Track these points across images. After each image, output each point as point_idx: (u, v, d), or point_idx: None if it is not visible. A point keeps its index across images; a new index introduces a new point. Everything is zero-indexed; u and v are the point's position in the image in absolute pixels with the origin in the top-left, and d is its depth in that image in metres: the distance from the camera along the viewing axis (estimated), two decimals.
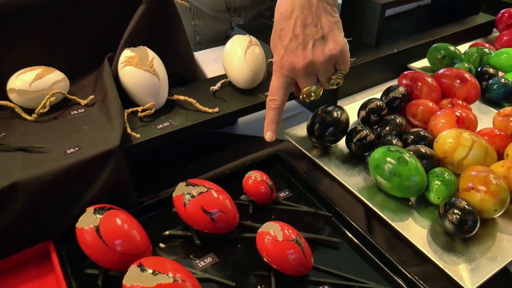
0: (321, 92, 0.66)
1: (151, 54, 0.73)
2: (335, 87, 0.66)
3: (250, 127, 0.87)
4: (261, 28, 1.08)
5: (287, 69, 0.63)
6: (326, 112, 0.76)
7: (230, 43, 0.79)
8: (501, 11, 1.11)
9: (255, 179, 0.67)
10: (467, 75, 0.87)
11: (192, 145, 0.83)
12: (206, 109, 0.73)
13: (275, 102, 0.66)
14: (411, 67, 1.01)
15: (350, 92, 0.96)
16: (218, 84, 0.78)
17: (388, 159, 0.68)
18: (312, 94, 0.66)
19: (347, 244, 0.64)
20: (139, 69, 0.70)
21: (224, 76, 0.81)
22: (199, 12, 1.20)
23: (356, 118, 0.84)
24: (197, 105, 0.73)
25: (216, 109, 0.73)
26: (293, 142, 0.80)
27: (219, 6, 1.19)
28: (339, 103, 0.93)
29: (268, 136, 0.68)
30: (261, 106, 0.77)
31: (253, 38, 0.79)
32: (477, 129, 0.80)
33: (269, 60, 0.82)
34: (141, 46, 0.74)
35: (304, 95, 0.66)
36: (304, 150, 0.78)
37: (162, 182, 0.72)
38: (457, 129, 0.74)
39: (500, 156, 0.75)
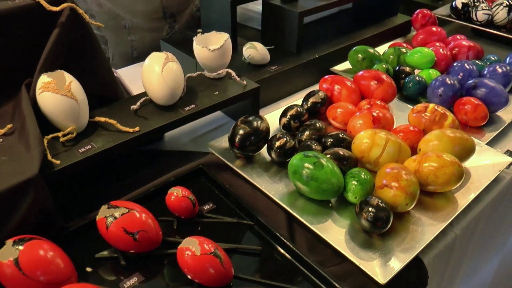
0: None
1: (68, 77, 0.72)
2: None
3: (177, 141, 0.88)
4: (187, 39, 1.08)
5: None
6: (246, 122, 0.78)
7: (148, 60, 0.80)
8: (416, 12, 1.16)
9: (177, 195, 0.68)
10: (383, 76, 0.90)
11: (121, 164, 0.82)
12: (127, 129, 0.73)
13: None
14: (333, 71, 1.04)
15: (274, 99, 0.98)
16: (138, 103, 0.79)
17: (306, 164, 0.70)
18: None
19: (269, 251, 0.65)
20: (57, 94, 0.69)
21: (145, 93, 0.82)
22: (135, 27, 1.20)
23: (279, 125, 0.86)
24: (118, 125, 0.73)
25: (137, 128, 0.73)
26: (216, 154, 0.81)
27: (157, 13, 1.19)
28: (264, 110, 0.95)
29: None
30: (183, 121, 0.78)
31: (170, 55, 0.79)
32: (394, 127, 0.84)
33: (188, 75, 0.83)
34: (58, 71, 0.73)
35: None
36: (226, 162, 0.79)
37: (91, 204, 0.72)
38: (373, 129, 0.77)
39: (414, 151, 0.78)
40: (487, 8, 1.13)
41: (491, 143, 0.85)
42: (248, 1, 1.00)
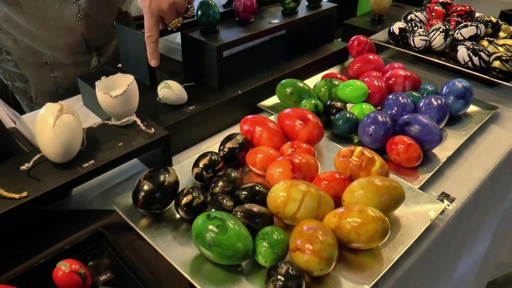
0: (182, 21, 0.89)
1: None
2: (191, 15, 0.91)
3: (85, 196, 0.79)
4: (108, 74, 1.00)
5: (156, 11, 0.83)
6: (150, 178, 0.69)
7: (42, 111, 0.71)
8: (352, 38, 1.10)
9: (64, 270, 0.59)
10: (309, 115, 0.83)
11: (14, 228, 0.73)
12: (13, 195, 0.64)
13: (153, 37, 0.86)
14: (260, 106, 0.96)
15: (193, 142, 0.89)
16: (31, 162, 0.69)
17: (209, 227, 0.61)
18: (178, 24, 0.88)
19: None
20: None
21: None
22: (57, 63, 1.11)
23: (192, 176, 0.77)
24: (2, 191, 0.64)
25: (24, 194, 0.64)
26: (120, 213, 0.72)
27: (79, 46, 1.10)
28: (182, 155, 0.86)
29: (154, 63, 0.89)
30: (80, 180, 0.69)
31: (65, 105, 0.70)
32: (319, 172, 0.76)
33: (87, 126, 0.74)
34: None
35: (172, 27, 0.88)
36: (130, 222, 0.70)
37: None
38: (291, 180, 0.69)
39: (339, 200, 0.71)
40: (424, 33, 1.07)
41: (426, 185, 0.78)
42: (164, 35, 0.92)
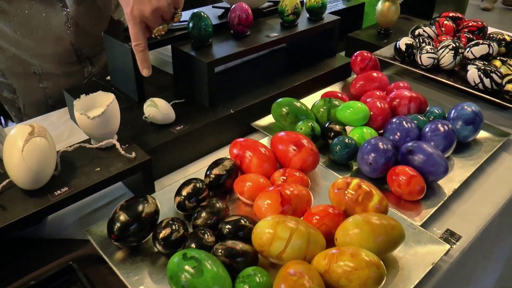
0: (167, 28, 0.81)
1: None
2: (178, 22, 0.84)
3: (60, 222, 0.73)
4: (97, 87, 0.94)
5: (139, 17, 0.76)
6: (126, 208, 0.64)
7: (13, 131, 0.65)
8: (355, 54, 1.03)
9: None
10: (304, 141, 0.77)
11: None
12: None
13: (140, 46, 0.79)
14: (254, 126, 0.90)
15: (182, 164, 0.83)
16: None
17: (186, 267, 0.56)
18: (162, 32, 0.80)
19: None
20: None
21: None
22: (46, 73, 1.05)
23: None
24: None
25: None
26: (94, 244, 0.66)
27: (69, 56, 1.05)
28: (168, 178, 0.81)
29: (145, 72, 0.82)
30: (50, 210, 0.63)
31: (37, 127, 0.65)
32: (312, 205, 0.70)
33: (62, 150, 0.69)
34: None
35: (156, 34, 0.80)
36: (103, 254, 0.65)
37: None
38: (278, 215, 0.63)
39: (332, 237, 0.64)
40: (433, 51, 1.00)
41: (429, 221, 0.72)
42: (158, 46, 0.86)
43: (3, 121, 1.45)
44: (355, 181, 0.69)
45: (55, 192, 0.65)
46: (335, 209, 0.67)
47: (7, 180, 0.65)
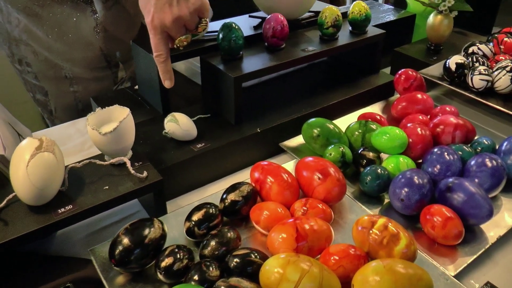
0: (190, 39, 0.77)
1: None
2: (203, 33, 0.78)
3: (70, 237, 0.70)
4: (123, 96, 0.92)
5: (159, 27, 0.73)
6: (130, 231, 0.60)
7: (24, 142, 0.63)
8: (399, 72, 0.95)
9: None
10: (331, 169, 0.70)
11: None
12: None
13: (162, 56, 0.76)
14: (282, 146, 0.84)
15: (201, 183, 0.79)
16: (4, 201, 0.62)
17: None
18: (185, 42, 0.76)
19: None
20: None
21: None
22: (76, 77, 1.05)
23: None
24: None
25: None
26: (96, 266, 0.63)
27: (99, 61, 1.04)
28: (184, 198, 0.76)
29: (167, 84, 0.79)
30: (55, 227, 0.61)
31: (46, 141, 0.62)
32: (332, 241, 0.63)
33: (70, 165, 0.66)
34: None
35: (178, 44, 0.76)
36: (102, 278, 0.61)
37: None
38: (290, 253, 0.57)
39: (349, 283, 0.58)
40: (486, 72, 0.90)
41: (465, 271, 0.63)
42: (176, 61, 0.82)
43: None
44: (382, 220, 0.61)
45: (59, 210, 0.62)
46: (356, 250, 0.60)
47: (13, 194, 0.63)
